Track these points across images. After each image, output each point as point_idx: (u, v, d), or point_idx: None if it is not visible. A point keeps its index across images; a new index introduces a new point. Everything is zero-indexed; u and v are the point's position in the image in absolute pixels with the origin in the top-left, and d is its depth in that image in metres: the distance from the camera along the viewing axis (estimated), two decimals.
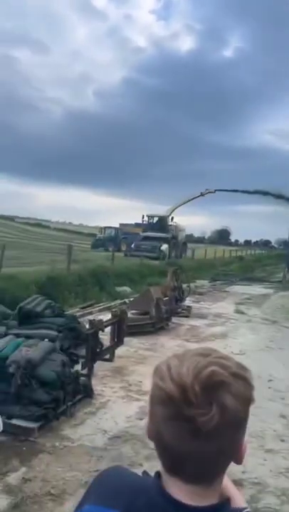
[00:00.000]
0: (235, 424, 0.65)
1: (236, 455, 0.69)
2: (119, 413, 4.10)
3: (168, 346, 6.90)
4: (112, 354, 5.59)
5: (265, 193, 25.37)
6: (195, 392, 0.61)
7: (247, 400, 0.67)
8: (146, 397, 0.70)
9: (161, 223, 27.72)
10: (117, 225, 34.27)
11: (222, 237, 72.80)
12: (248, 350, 7.05)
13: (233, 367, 0.66)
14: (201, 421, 0.61)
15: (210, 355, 0.67)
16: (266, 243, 73.95)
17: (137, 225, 31.88)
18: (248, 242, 74.95)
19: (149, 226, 28.00)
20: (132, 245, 25.20)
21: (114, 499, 0.68)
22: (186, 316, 9.63)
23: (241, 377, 0.66)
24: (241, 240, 78.06)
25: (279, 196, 24.90)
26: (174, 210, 28.93)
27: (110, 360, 5.51)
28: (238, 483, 2.99)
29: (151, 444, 0.70)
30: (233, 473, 3.11)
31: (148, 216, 29.11)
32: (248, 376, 0.68)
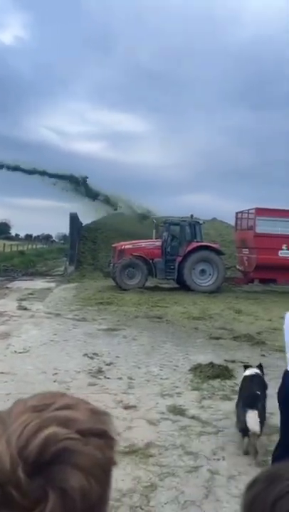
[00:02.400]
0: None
1: None
2: None
3: None
4: None
5: (43, 173, 25.23)
6: (18, 479, 0.41)
7: (104, 469, 0.46)
8: None
9: None
10: None
11: (1, 230, 69.68)
12: (32, 346, 6.95)
13: (83, 419, 0.46)
14: None
15: (48, 407, 0.46)
16: (47, 237, 75.10)
17: None
18: (29, 237, 74.20)
19: None
20: None
21: None
22: None
23: (96, 432, 0.47)
24: (22, 234, 76.64)
25: (61, 177, 25.01)
26: None
27: None
28: None
29: None
30: None
31: None
32: (106, 428, 0.49)
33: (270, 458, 3.28)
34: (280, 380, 3.26)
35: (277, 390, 2.82)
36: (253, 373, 4.15)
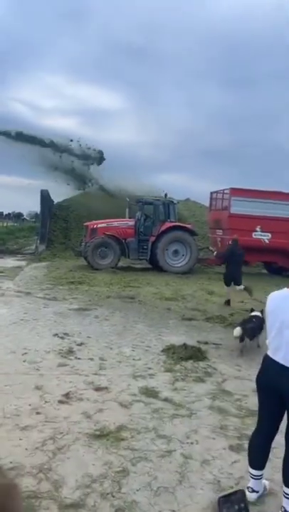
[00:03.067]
0: None
1: None
2: None
3: None
4: None
5: (60, 149, 23.61)
6: None
7: None
8: None
9: None
10: None
11: None
12: (1, 325, 6.71)
13: None
14: None
15: None
16: (18, 215, 73.05)
17: None
18: None
19: None
20: None
21: None
22: None
23: None
24: None
25: (28, 139, 23.02)
26: None
27: None
28: None
29: None
30: None
31: None
32: None
33: (244, 442, 3.26)
34: (256, 364, 3.23)
35: (256, 376, 2.74)
36: (255, 314, 6.49)
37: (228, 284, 10.07)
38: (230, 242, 10.76)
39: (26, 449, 3.06)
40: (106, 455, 3.02)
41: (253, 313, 6.53)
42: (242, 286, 9.88)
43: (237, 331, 5.89)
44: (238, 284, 9.89)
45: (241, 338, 5.89)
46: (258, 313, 6.32)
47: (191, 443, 3.28)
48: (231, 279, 9.94)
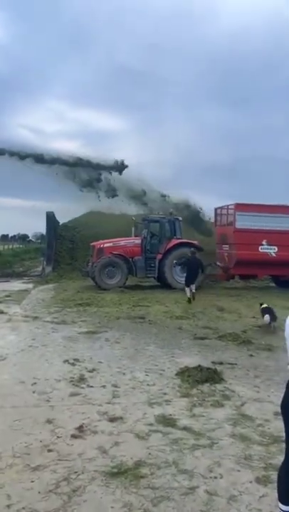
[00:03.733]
0: None
1: None
2: None
3: None
4: None
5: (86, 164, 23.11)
6: None
7: None
8: None
9: None
10: None
11: None
12: (9, 353, 6.53)
13: None
14: None
15: None
16: (24, 237, 73.53)
17: None
18: (5, 237, 72.45)
19: None
20: None
21: None
22: None
23: None
24: None
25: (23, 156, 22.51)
26: None
27: None
28: None
29: None
30: None
31: None
32: None
33: (271, 473, 3.04)
34: (274, 384, 3.04)
35: (281, 400, 2.55)
36: (265, 306, 9.04)
37: (188, 285, 12.50)
38: (189, 254, 13.28)
39: (39, 492, 2.86)
40: (125, 495, 2.82)
41: (264, 306, 9.09)
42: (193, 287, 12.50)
43: (266, 318, 8.56)
44: (188, 285, 12.51)
45: (269, 323, 8.48)
46: (267, 305, 9.11)
47: (215, 477, 3.06)
48: (190, 281, 12.51)
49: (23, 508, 2.66)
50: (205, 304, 11.89)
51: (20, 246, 49.87)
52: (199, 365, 5.69)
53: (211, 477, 3.06)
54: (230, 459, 3.33)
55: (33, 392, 4.89)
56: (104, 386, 5.12)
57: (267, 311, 8.76)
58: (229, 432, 3.85)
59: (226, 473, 3.12)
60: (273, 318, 8.49)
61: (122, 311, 10.65)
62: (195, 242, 16.29)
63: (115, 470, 3.14)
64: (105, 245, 15.53)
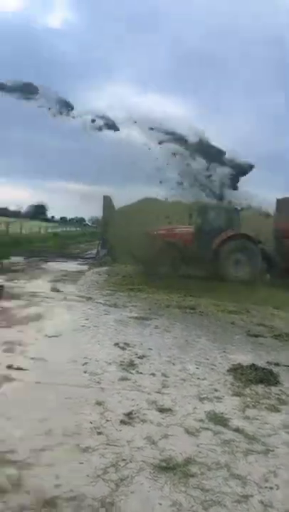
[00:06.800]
0: None
1: None
2: None
3: None
4: None
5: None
6: None
7: None
8: None
9: None
10: None
11: (38, 212, 70.43)
12: (64, 331, 6.65)
13: None
14: None
15: None
16: (81, 221, 75.39)
17: None
18: (63, 219, 74.75)
19: None
20: None
21: None
22: None
23: None
24: (57, 217, 77.16)
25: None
26: None
27: None
28: (51, 502, 2.52)
29: None
30: (44, 488, 2.61)
31: None
32: None
33: None
34: None
35: None
36: None
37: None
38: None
39: (87, 475, 2.82)
40: (174, 493, 2.70)
41: None
42: None
43: None
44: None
45: None
46: None
47: (271, 488, 2.85)
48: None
49: (71, 491, 2.63)
50: (259, 299, 11.41)
51: (77, 229, 51.25)
52: (253, 364, 5.43)
53: (266, 487, 2.85)
54: (288, 471, 3.09)
55: (84, 372, 4.91)
56: (153, 374, 5.04)
57: None
58: (286, 440, 3.59)
59: (282, 485, 2.90)
60: None
61: (172, 299, 10.51)
62: (252, 234, 15.64)
63: (164, 464, 3.04)
64: (159, 232, 15.40)
